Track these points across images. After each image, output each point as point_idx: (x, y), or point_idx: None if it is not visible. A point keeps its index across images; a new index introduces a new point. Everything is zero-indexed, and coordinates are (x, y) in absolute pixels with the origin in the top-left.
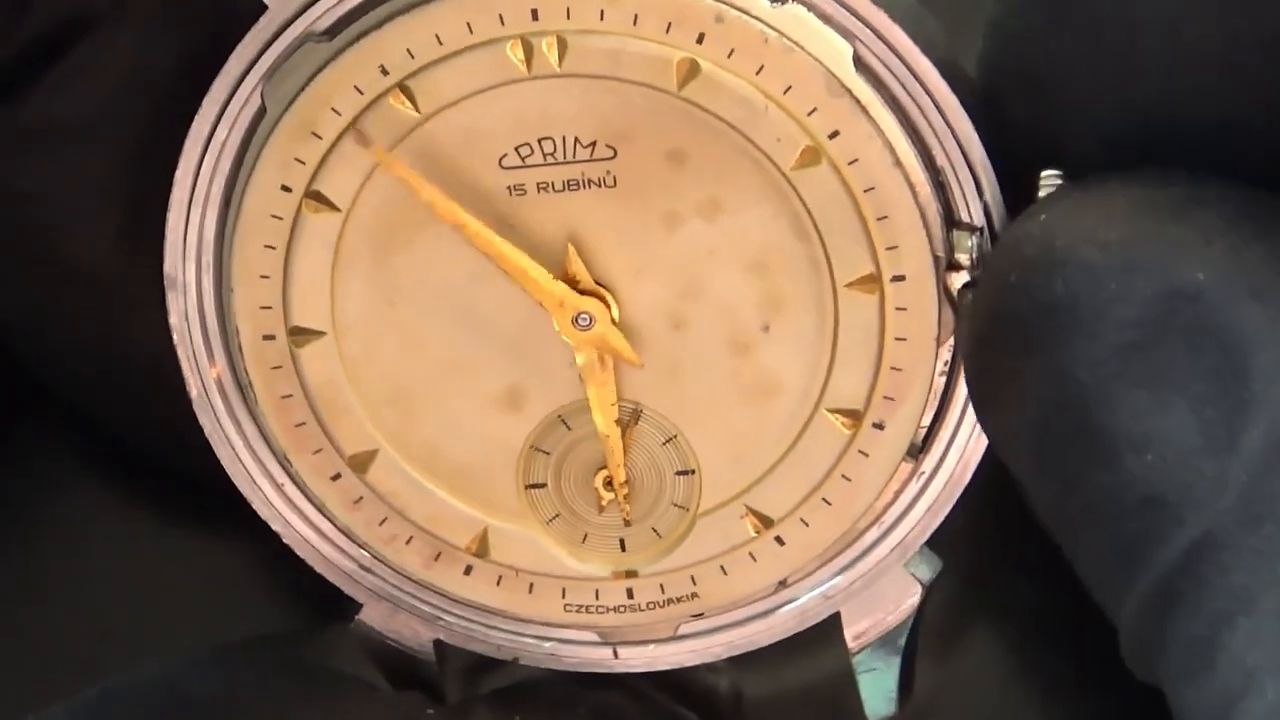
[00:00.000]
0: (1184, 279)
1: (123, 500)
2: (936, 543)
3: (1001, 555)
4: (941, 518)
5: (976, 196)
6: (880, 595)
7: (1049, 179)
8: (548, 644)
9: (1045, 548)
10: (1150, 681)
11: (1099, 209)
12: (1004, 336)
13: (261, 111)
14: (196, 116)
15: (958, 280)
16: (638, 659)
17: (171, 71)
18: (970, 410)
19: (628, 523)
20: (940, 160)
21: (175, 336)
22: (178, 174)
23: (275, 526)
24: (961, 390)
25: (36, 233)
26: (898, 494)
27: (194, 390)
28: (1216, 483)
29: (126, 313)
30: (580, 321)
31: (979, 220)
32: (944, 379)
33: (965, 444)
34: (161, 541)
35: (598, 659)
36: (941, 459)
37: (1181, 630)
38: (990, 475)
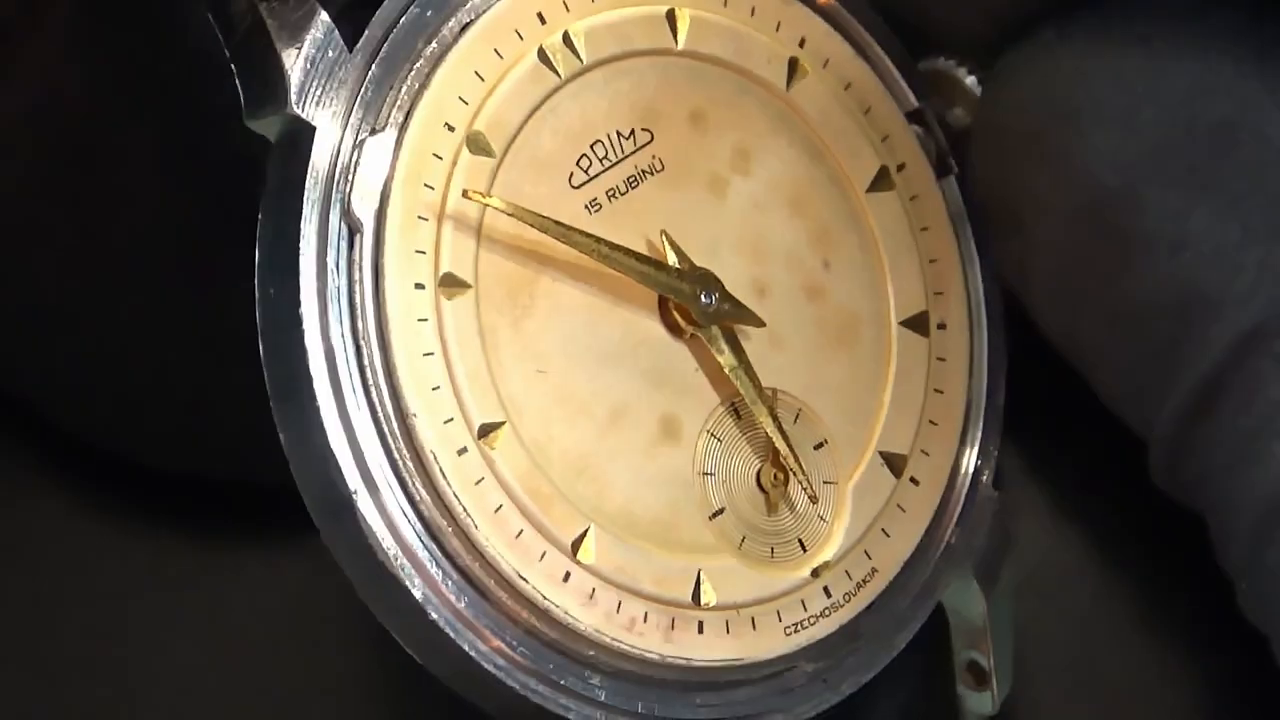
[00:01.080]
0: (1213, 75)
1: (120, 502)
2: None
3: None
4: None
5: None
6: (988, 525)
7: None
8: (776, 699)
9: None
10: (1178, 495)
11: (1112, 24)
12: (1023, 152)
13: (355, 235)
14: (300, 277)
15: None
16: (846, 679)
17: (97, 91)
18: None
19: (814, 499)
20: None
21: (389, 552)
22: (310, 364)
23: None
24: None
25: None
26: (969, 406)
27: (420, 592)
28: (1260, 273)
29: (97, 324)
30: (705, 299)
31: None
32: None
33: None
34: (161, 543)
35: (819, 697)
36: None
37: (1228, 425)
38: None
